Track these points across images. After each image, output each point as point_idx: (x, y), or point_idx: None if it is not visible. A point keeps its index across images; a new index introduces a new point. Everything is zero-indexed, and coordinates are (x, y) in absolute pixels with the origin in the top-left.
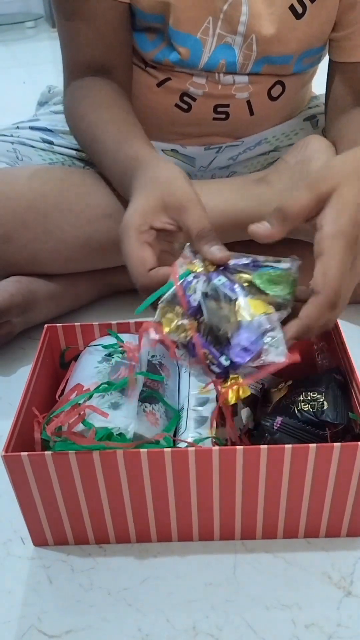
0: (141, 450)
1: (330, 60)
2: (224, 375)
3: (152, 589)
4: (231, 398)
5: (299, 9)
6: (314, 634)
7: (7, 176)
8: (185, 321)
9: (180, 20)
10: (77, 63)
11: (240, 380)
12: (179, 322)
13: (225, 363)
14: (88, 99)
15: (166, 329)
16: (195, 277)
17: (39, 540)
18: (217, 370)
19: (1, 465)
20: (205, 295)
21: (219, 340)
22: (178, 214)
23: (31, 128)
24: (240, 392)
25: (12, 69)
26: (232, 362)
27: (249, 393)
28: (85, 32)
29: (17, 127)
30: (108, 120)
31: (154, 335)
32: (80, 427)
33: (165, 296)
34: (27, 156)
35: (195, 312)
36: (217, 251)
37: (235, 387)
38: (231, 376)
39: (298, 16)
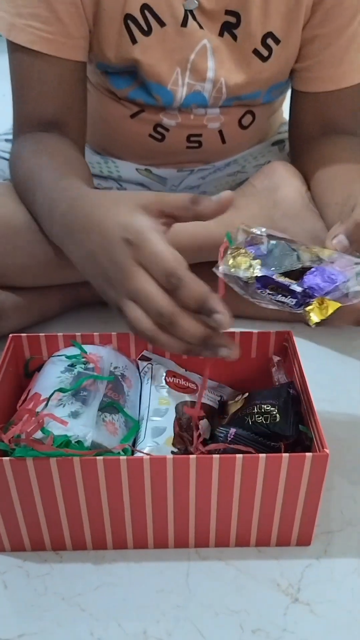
0: (97, 457)
1: (292, 89)
2: (298, 305)
3: (106, 595)
4: (317, 315)
5: (265, 53)
6: (260, 638)
7: None
8: (254, 261)
9: (150, 74)
10: (26, 118)
11: (327, 298)
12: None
13: (298, 289)
14: (32, 146)
15: (232, 266)
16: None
17: None
18: (291, 301)
19: None
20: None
21: (289, 275)
22: (160, 203)
23: (6, 140)
24: (329, 307)
25: None
26: (305, 289)
27: (338, 306)
28: (38, 88)
29: None
30: (45, 165)
31: (222, 268)
32: (38, 434)
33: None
34: (3, 170)
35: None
36: (219, 197)
37: (319, 304)
38: (313, 300)
39: (264, 59)
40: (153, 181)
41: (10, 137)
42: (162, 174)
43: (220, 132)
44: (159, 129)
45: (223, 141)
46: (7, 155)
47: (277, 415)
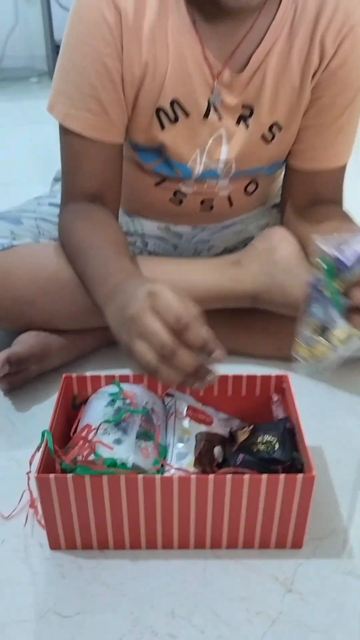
0: (138, 476)
1: (287, 164)
2: None
3: (141, 584)
4: None
5: (269, 137)
6: (262, 618)
7: (34, 250)
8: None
9: (174, 154)
10: (74, 190)
11: None
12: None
13: None
14: (82, 220)
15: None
16: None
17: (54, 545)
18: None
19: (20, 486)
20: None
21: None
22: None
23: (50, 204)
24: None
25: (19, 126)
26: None
27: None
28: (86, 166)
29: (39, 203)
30: (98, 241)
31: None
32: (91, 457)
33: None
34: (48, 231)
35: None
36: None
37: None
38: None
39: (268, 142)
40: (171, 236)
41: (53, 201)
42: (178, 231)
43: (229, 197)
44: (178, 195)
45: (231, 205)
46: (52, 218)
47: (276, 444)
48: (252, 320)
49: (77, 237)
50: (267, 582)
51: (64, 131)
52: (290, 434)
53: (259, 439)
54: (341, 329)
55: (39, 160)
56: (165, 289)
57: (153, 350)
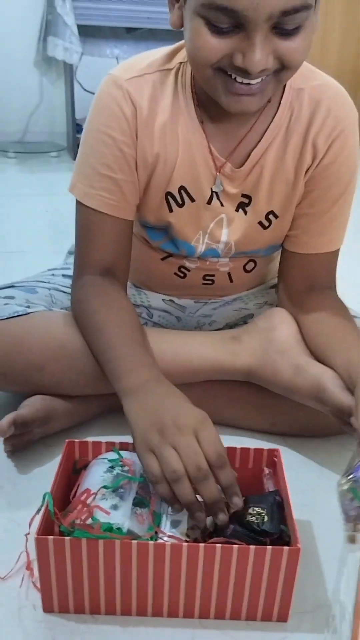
0: (132, 542)
1: (283, 248)
2: None
3: None
4: None
5: (266, 224)
6: None
7: (46, 318)
8: None
9: (178, 233)
10: (88, 263)
11: None
12: None
13: None
14: (97, 297)
15: None
16: None
17: (47, 608)
18: None
19: (18, 547)
20: None
21: None
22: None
23: (63, 276)
24: None
25: (37, 197)
26: None
27: None
28: (100, 240)
29: (53, 274)
30: (116, 322)
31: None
32: (89, 521)
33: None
34: (60, 301)
35: None
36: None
37: None
38: None
39: (265, 228)
40: (175, 309)
41: (67, 272)
42: (182, 304)
43: (229, 273)
44: (182, 270)
45: (231, 280)
46: (65, 289)
47: (265, 516)
48: (247, 395)
49: (95, 317)
50: None
51: (81, 207)
52: (279, 506)
53: (250, 510)
54: None
55: (54, 231)
56: (211, 424)
57: (182, 463)
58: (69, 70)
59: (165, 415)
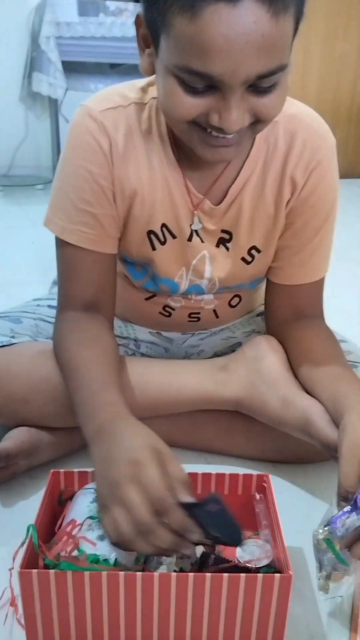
0: (120, 573)
1: (268, 280)
2: None
3: None
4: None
5: (249, 259)
6: None
7: (30, 350)
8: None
9: (161, 270)
10: (70, 298)
11: None
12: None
13: None
14: (74, 334)
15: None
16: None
17: None
18: None
19: (2, 583)
20: None
21: None
22: (166, 459)
23: (49, 306)
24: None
25: (23, 229)
26: None
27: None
28: (82, 275)
29: (38, 305)
30: (88, 360)
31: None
32: (74, 553)
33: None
34: (46, 330)
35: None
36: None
37: None
38: None
39: (248, 263)
40: (162, 341)
41: (52, 303)
42: (169, 336)
43: (215, 310)
44: (167, 309)
45: (217, 316)
46: (49, 319)
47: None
48: (236, 423)
49: (68, 354)
50: None
51: (61, 243)
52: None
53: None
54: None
55: (39, 262)
56: (150, 461)
57: (131, 522)
58: (54, 105)
59: (110, 470)
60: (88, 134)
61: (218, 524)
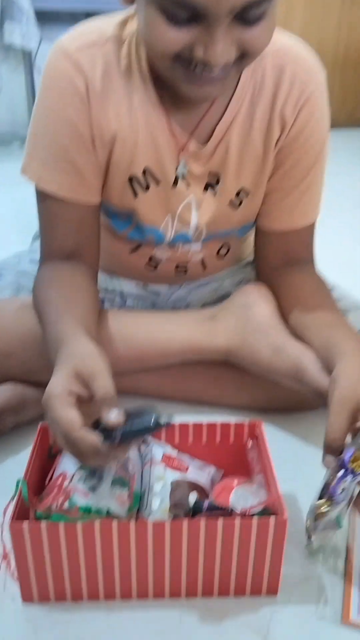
0: (112, 522)
1: (257, 227)
2: None
3: (116, 636)
4: None
5: (237, 202)
6: None
7: (13, 305)
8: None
9: (145, 219)
10: (51, 249)
11: None
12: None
13: None
14: (49, 277)
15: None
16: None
17: (26, 597)
18: None
19: None
20: None
21: None
22: (89, 380)
23: (30, 261)
24: None
25: (1, 187)
26: None
27: None
28: (61, 225)
29: (19, 260)
30: (52, 299)
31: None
32: (65, 505)
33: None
34: (28, 286)
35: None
36: (112, 415)
37: None
38: None
39: (236, 208)
40: (149, 294)
41: (33, 257)
42: (156, 289)
43: (202, 261)
44: (153, 261)
45: (204, 268)
46: (31, 274)
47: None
48: (226, 373)
49: (39, 296)
50: (242, 632)
51: (39, 193)
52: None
53: None
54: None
55: (19, 221)
56: (54, 403)
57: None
58: (27, 58)
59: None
60: (62, 74)
61: (137, 423)
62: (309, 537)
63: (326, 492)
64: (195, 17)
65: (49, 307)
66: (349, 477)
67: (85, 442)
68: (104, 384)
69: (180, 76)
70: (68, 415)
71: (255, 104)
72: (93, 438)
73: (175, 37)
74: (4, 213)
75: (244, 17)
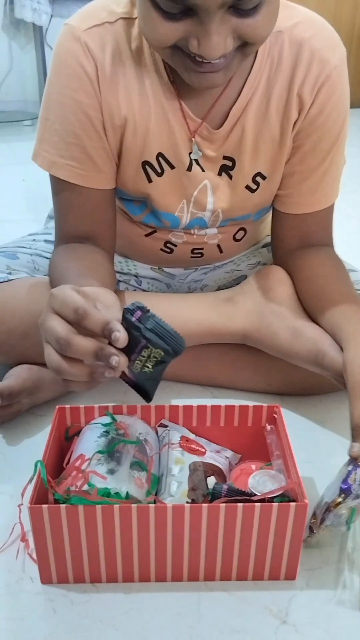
0: (132, 505)
1: (274, 209)
2: None
3: (134, 618)
4: None
5: (254, 187)
6: None
7: (29, 285)
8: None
9: (160, 204)
10: (65, 232)
11: None
12: None
13: None
14: (65, 254)
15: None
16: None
17: (45, 579)
18: None
19: (12, 520)
20: None
21: None
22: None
23: (45, 241)
24: None
25: (11, 166)
26: None
27: None
28: (75, 211)
29: (34, 240)
30: (71, 269)
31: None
32: (84, 487)
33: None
34: (43, 267)
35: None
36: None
37: None
38: None
39: (253, 191)
40: (164, 277)
41: (48, 237)
42: (171, 272)
43: (219, 245)
44: (168, 245)
45: (221, 251)
46: (47, 255)
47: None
48: (242, 356)
49: (56, 272)
50: (261, 614)
51: (52, 177)
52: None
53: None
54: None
55: (31, 200)
56: (65, 287)
57: (54, 350)
58: (39, 34)
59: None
60: (71, 57)
61: (158, 335)
62: (311, 531)
63: (338, 489)
64: (188, 11)
65: (67, 275)
66: (358, 469)
67: (97, 314)
68: (109, 304)
69: (180, 65)
70: (78, 297)
71: (272, 84)
72: (104, 315)
73: (169, 31)
74: (16, 191)
75: (239, 8)
